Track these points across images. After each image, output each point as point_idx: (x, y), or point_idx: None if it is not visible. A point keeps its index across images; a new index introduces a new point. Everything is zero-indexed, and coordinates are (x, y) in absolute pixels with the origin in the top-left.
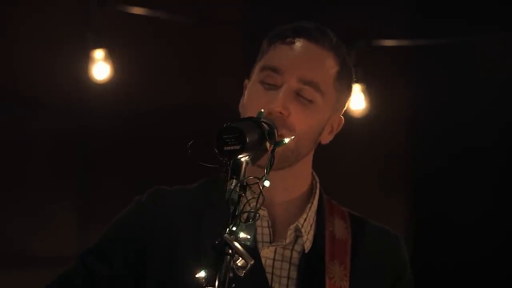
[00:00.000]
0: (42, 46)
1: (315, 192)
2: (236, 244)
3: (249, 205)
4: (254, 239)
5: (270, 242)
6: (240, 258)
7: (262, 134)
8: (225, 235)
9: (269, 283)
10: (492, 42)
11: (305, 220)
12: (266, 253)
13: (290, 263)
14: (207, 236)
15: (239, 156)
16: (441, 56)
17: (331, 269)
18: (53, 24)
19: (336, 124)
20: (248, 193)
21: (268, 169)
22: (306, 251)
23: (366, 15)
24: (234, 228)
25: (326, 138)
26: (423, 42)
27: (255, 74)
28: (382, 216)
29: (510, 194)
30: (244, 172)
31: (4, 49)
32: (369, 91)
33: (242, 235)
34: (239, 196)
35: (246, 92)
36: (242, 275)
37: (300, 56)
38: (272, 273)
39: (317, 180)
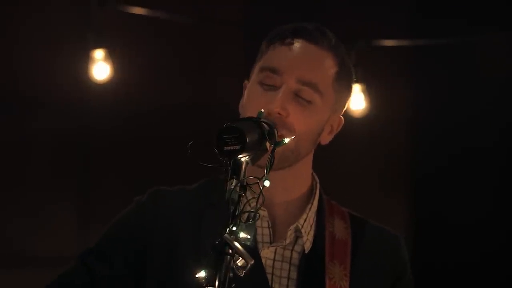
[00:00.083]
0: (42, 46)
1: (315, 193)
2: (236, 244)
3: (249, 205)
4: (254, 239)
5: (270, 243)
6: (240, 258)
7: (262, 134)
8: (225, 235)
9: (269, 284)
10: (492, 42)
11: (305, 220)
12: (266, 253)
13: (290, 263)
14: (207, 236)
15: (239, 156)
16: (441, 56)
17: (331, 270)
18: (53, 24)
19: (336, 124)
20: (248, 193)
21: (268, 169)
22: (306, 251)
23: (366, 15)
24: (234, 228)
25: (326, 139)
26: (423, 42)
27: (254, 75)
28: (382, 216)
29: (510, 194)
30: (244, 172)
31: (4, 49)
32: (369, 91)
33: (242, 235)
34: (239, 196)
35: (245, 93)
36: (242, 275)
37: (299, 57)
38: (272, 274)
39: (317, 180)
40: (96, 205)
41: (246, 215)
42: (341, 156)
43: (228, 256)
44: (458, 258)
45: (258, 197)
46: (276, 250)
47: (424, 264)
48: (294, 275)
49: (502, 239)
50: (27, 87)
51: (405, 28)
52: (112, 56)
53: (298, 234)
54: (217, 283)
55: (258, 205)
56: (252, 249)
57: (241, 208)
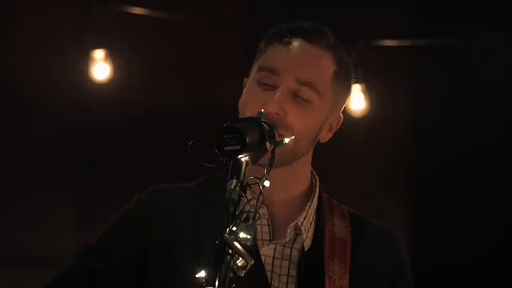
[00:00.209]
0: (42, 46)
1: (315, 191)
2: (236, 244)
3: (249, 205)
4: (254, 238)
5: (270, 240)
6: (240, 258)
7: (262, 135)
8: (225, 235)
9: (269, 281)
10: (492, 42)
11: (304, 218)
12: (266, 251)
13: (289, 261)
14: (206, 235)
15: (239, 156)
16: (441, 56)
17: (330, 267)
18: (53, 24)
19: (335, 122)
20: (248, 192)
21: (268, 169)
22: (306, 249)
23: (366, 15)
24: (234, 228)
25: (325, 137)
26: (423, 42)
27: (253, 74)
28: (382, 216)
29: (509, 194)
30: (245, 172)
31: (4, 49)
32: (369, 91)
33: (242, 235)
34: (240, 196)
35: (244, 91)
36: (242, 275)
37: (296, 56)
38: (272, 271)
39: (317, 178)
40: (96, 205)
41: (245, 214)
42: (341, 155)
43: (228, 256)
44: (458, 257)
45: (258, 197)
46: (275, 247)
47: (423, 263)
48: (293, 272)
49: (502, 239)
50: (27, 87)
51: (405, 28)
52: (112, 56)
53: (297, 232)
54: (217, 283)
55: (258, 205)
56: (251, 247)
57: (241, 208)
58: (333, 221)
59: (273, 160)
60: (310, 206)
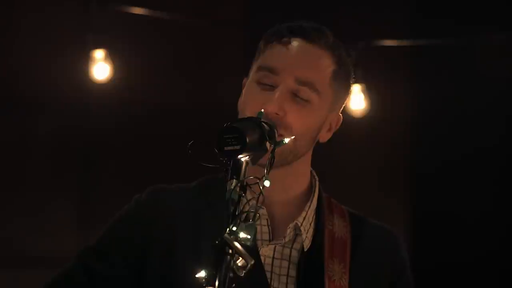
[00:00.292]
0: (42, 46)
1: (314, 191)
2: (236, 244)
3: (249, 205)
4: (254, 237)
5: (269, 241)
6: (240, 258)
7: (262, 135)
8: (225, 235)
9: (269, 281)
10: (492, 42)
11: (304, 218)
12: (266, 251)
13: (289, 261)
14: (206, 235)
15: (239, 156)
16: (441, 56)
17: (330, 267)
18: (53, 24)
19: (335, 122)
20: (247, 192)
21: (269, 169)
22: (305, 249)
23: (366, 15)
24: (234, 228)
25: (325, 137)
26: (423, 42)
27: (252, 74)
28: (382, 216)
29: (509, 194)
30: (245, 172)
31: (4, 49)
32: (369, 91)
33: (242, 235)
34: (240, 196)
35: (243, 91)
36: (242, 275)
37: (296, 56)
38: (272, 271)
39: (317, 178)
40: (96, 205)
41: (245, 215)
42: (341, 155)
43: (228, 256)
44: (458, 257)
45: (258, 197)
46: (275, 248)
47: (423, 263)
48: (293, 273)
49: (502, 239)
50: (27, 87)
51: (405, 28)
52: (112, 56)
53: (297, 232)
54: (217, 283)
55: (258, 205)
56: (251, 248)
57: (241, 208)
58: (332, 221)
59: (273, 160)
60: (309, 206)
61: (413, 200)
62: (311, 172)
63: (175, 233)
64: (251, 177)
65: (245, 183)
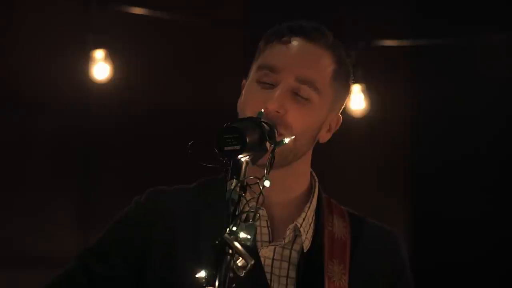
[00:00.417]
0: (43, 46)
1: (314, 192)
2: (237, 244)
3: (248, 205)
4: (254, 237)
5: (269, 242)
6: (240, 258)
7: (262, 135)
8: (225, 235)
9: (269, 283)
10: (492, 42)
11: (303, 219)
12: (265, 252)
13: (289, 262)
14: (206, 235)
15: (239, 156)
16: (441, 56)
17: (330, 268)
18: (53, 24)
19: (334, 122)
20: (247, 193)
21: (269, 169)
22: (305, 250)
23: (366, 15)
24: (234, 228)
25: (325, 137)
26: (423, 42)
27: (252, 73)
28: (382, 216)
29: (509, 194)
30: (245, 172)
31: (4, 49)
32: (369, 91)
33: (242, 235)
34: (240, 196)
35: (243, 91)
36: (242, 275)
37: (296, 55)
38: (271, 273)
39: (316, 179)
40: (96, 205)
41: (245, 215)
42: (341, 156)
43: (228, 256)
44: (458, 257)
45: (258, 197)
46: (275, 249)
47: (423, 263)
48: (293, 274)
49: (502, 239)
50: (27, 87)
51: (405, 28)
52: (112, 56)
53: (297, 233)
54: (217, 283)
55: (258, 205)
56: (251, 249)
57: (241, 208)
58: (332, 222)
59: (273, 160)
60: (309, 207)
61: (413, 200)
62: (310, 173)
63: (175, 235)
64: (251, 177)
65: (245, 183)
